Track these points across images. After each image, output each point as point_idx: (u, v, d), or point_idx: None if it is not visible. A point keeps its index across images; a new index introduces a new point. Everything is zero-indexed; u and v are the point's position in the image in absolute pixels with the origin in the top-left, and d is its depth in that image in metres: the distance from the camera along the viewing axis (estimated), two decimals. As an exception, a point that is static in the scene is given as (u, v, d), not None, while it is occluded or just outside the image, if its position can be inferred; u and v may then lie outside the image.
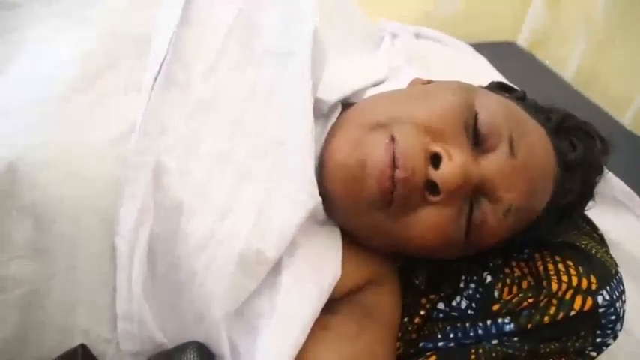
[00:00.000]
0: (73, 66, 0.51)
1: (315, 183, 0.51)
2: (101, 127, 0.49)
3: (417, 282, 0.60)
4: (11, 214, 0.46)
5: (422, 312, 0.59)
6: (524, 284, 0.57)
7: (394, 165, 0.49)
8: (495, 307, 0.56)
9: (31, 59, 0.53)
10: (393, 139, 0.50)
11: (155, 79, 0.52)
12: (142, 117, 0.50)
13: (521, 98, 0.62)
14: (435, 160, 0.50)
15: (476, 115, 0.52)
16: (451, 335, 0.57)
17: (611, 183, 0.78)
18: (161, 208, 0.49)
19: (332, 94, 0.58)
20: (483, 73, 1.05)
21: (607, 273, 0.56)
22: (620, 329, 0.56)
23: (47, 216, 0.47)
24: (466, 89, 0.55)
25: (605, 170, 0.62)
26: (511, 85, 0.68)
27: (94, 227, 0.48)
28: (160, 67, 0.52)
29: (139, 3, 0.57)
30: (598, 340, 0.55)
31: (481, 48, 1.16)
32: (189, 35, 0.55)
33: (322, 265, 0.53)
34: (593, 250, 0.59)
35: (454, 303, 0.59)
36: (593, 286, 0.55)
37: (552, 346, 0.55)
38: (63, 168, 0.47)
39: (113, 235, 0.48)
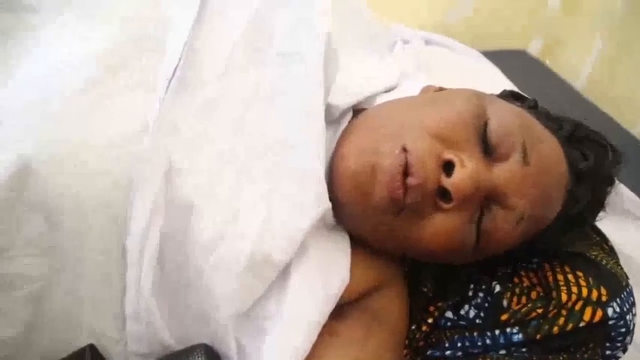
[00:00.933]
0: (83, 66, 0.51)
1: (325, 188, 0.51)
2: (111, 126, 0.50)
3: (424, 290, 0.60)
4: (22, 211, 0.47)
5: (430, 320, 0.59)
6: (534, 294, 0.57)
7: (406, 172, 0.49)
8: (504, 317, 0.56)
9: (40, 60, 0.53)
10: (404, 146, 0.50)
11: (169, 80, 0.52)
12: (155, 117, 0.50)
13: (533, 107, 0.61)
14: (447, 167, 0.49)
15: (488, 122, 0.52)
16: (459, 344, 0.57)
17: (621, 194, 0.77)
18: (172, 207, 0.49)
19: (343, 99, 0.58)
20: (494, 80, 1.05)
21: (618, 285, 0.56)
22: (630, 342, 0.56)
23: (57, 213, 0.47)
24: (479, 97, 0.54)
25: (616, 181, 0.61)
26: (523, 94, 0.68)
27: (103, 226, 0.48)
28: (175, 68, 0.52)
29: (150, 4, 0.57)
30: (607, 352, 0.55)
31: (492, 55, 1.16)
32: (203, 37, 0.55)
33: (331, 270, 0.53)
34: (604, 262, 0.58)
35: (462, 312, 0.59)
36: (604, 298, 0.54)
37: (561, 358, 0.55)
38: (73, 165, 0.47)
39: (123, 234, 0.49)
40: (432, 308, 0.60)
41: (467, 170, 0.49)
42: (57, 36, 0.55)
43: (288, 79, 0.55)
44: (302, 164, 0.52)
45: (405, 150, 0.49)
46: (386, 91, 0.69)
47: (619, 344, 0.55)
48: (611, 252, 0.64)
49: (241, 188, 0.51)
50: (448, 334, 0.58)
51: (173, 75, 0.52)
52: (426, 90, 0.64)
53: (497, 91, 0.66)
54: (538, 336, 0.54)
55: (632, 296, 0.57)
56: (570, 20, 1.41)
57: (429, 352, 0.58)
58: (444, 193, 0.49)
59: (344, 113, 0.59)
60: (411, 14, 1.28)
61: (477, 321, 0.58)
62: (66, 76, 0.51)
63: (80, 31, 0.55)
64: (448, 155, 0.49)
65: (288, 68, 0.55)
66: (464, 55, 1.13)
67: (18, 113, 0.49)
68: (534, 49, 1.44)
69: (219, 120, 0.53)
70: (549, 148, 0.54)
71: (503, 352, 0.55)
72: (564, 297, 0.55)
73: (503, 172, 0.51)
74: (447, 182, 0.49)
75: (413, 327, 0.59)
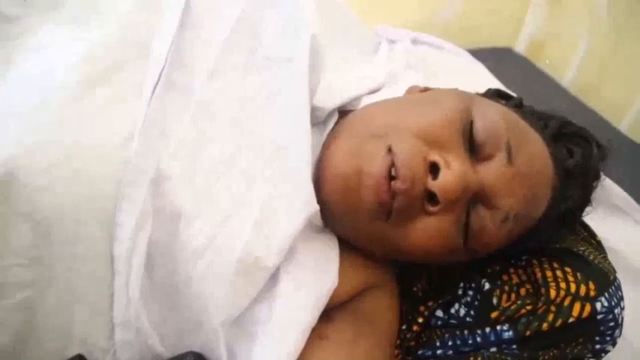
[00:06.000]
0: (76, 71, 0.51)
1: (312, 191, 0.51)
2: (102, 131, 0.50)
3: (415, 289, 0.60)
4: (9, 219, 0.46)
5: (420, 319, 0.59)
6: (523, 291, 0.57)
7: (392, 175, 0.49)
8: (494, 315, 0.56)
9: (33, 64, 0.53)
10: (390, 149, 0.50)
11: (155, 85, 0.52)
12: (141, 123, 0.50)
13: (518, 105, 0.62)
14: (433, 169, 0.49)
15: (473, 123, 0.52)
16: (450, 343, 0.57)
17: (608, 189, 0.78)
18: (160, 213, 0.49)
19: (329, 101, 0.58)
20: (480, 78, 1.05)
21: (605, 279, 0.56)
22: (619, 336, 0.56)
23: (46, 221, 0.47)
24: (463, 97, 0.55)
25: (603, 176, 0.62)
26: (508, 92, 0.68)
27: (92, 233, 0.48)
28: (160, 73, 0.52)
29: (142, 9, 0.57)
30: (597, 347, 0.55)
31: (478, 53, 1.16)
32: (189, 40, 0.55)
33: (320, 273, 0.53)
34: (592, 257, 0.59)
35: (453, 310, 0.59)
36: (592, 293, 0.54)
37: (551, 354, 0.55)
38: (62, 173, 0.47)
39: (112, 241, 0.48)
40: (422, 308, 0.60)
41: (453, 172, 0.49)
42: (47, 41, 0.55)
43: (277, 81, 0.55)
44: (291, 167, 0.52)
45: (390, 152, 0.49)
46: (372, 92, 0.70)
47: (608, 338, 0.55)
48: (599, 246, 0.65)
49: (240, 194, 0.51)
50: (439, 333, 0.59)
51: (159, 79, 0.52)
52: (411, 91, 0.64)
53: (484, 89, 0.67)
54: (528, 332, 0.54)
55: (620, 290, 0.57)
56: (557, 16, 1.41)
57: (420, 352, 0.58)
58: (430, 196, 0.49)
59: (330, 115, 0.59)
60: (399, 13, 1.28)
61: (468, 319, 0.58)
62: (55, 82, 0.51)
63: (70, 36, 0.55)
64: (433, 157, 0.49)
65: (277, 71, 0.55)
66: (450, 54, 1.13)
67: (4, 118, 0.49)
68: (520, 46, 1.44)
69: (218, 125, 0.53)
70: (534, 147, 0.54)
71: (494, 349, 0.56)
72: (553, 293, 0.55)
73: (488, 172, 0.51)
74: (434, 185, 0.49)
75: (404, 327, 0.59)
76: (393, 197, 0.49)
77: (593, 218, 0.65)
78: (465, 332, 0.57)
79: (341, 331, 0.54)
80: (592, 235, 0.66)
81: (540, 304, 0.55)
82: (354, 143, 0.52)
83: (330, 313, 0.53)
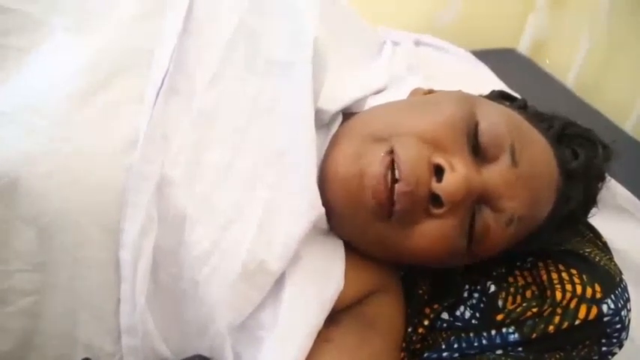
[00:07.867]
0: (77, 76, 0.51)
1: (317, 194, 0.51)
2: (103, 137, 0.50)
3: (420, 292, 0.60)
4: (14, 225, 0.46)
5: (425, 322, 0.59)
6: (528, 294, 0.57)
7: (394, 178, 0.49)
8: (499, 317, 0.56)
9: (34, 68, 0.53)
10: (392, 151, 0.49)
11: (158, 90, 0.52)
12: (145, 128, 0.50)
13: (522, 107, 0.61)
14: (438, 171, 0.49)
15: (477, 125, 0.52)
16: (455, 346, 0.57)
17: (613, 190, 0.78)
18: (165, 218, 0.49)
19: (333, 104, 0.58)
20: (484, 80, 1.06)
21: (612, 281, 0.56)
22: (626, 338, 0.56)
23: (49, 227, 0.47)
24: (467, 99, 0.54)
25: (608, 177, 0.62)
26: (512, 93, 0.68)
27: (97, 238, 0.48)
28: (163, 78, 0.52)
29: (145, 14, 0.57)
30: (604, 349, 0.55)
31: (481, 55, 1.16)
32: (190, 46, 0.55)
33: (325, 277, 0.53)
34: (597, 258, 0.58)
35: (458, 313, 0.59)
36: (598, 295, 0.54)
37: (557, 356, 0.55)
38: (66, 178, 0.47)
39: (117, 246, 0.48)
40: (427, 310, 0.60)
41: (457, 175, 0.48)
42: (48, 46, 0.55)
43: (279, 86, 0.55)
44: (295, 171, 0.52)
45: (390, 153, 0.49)
46: (376, 93, 0.69)
47: (615, 340, 0.55)
48: (605, 248, 0.64)
49: (244, 198, 0.51)
50: (444, 335, 0.58)
51: (162, 85, 0.52)
52: (415, 93, 0.64)
53: (488, 91, 0.67)
54: (534, 335, 0.54)
55: (627, 292, 0.57)
56: (559, 17, 1.41)
57: (425, 355, 0.58)
58: (435, 199, 0.49)
59: (334, 117, 0.59)
60: (401, 15, 1.28)
61: (473, 321, 0.58)
62: (55, 87, 0.51)
63: (72, 40, 0.55)
64: (437, 159, 0.49)
65: (279, 75, 0.55)
66: (454, 55, 1.13)
67: (19, 121, 0.49)
68: (523, 47, 1.44)
69: (221, 130, 0.53)
70: (538, 148, 0.54)
71: (499, 352, 0.55)
72: (559, 295, 0.55)
73: (492, 175, 0.51)
74: (438, 187, 0.48)
75: (409, 329, 0.59)
76: (393, 198, 0.48)
77: (598, 219, 0.65)
78: (471, 335, 0.57)
79: (347, 335, 0.54)
80: (598, 236, 0.65)
81: (546, 307, 0.55)
82: (357, 146, 0.52)
83: (335, 317, 0.53)
